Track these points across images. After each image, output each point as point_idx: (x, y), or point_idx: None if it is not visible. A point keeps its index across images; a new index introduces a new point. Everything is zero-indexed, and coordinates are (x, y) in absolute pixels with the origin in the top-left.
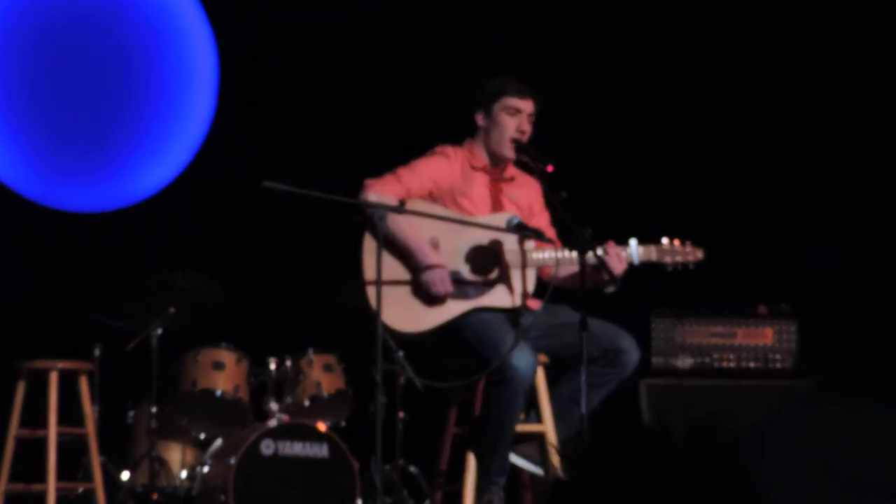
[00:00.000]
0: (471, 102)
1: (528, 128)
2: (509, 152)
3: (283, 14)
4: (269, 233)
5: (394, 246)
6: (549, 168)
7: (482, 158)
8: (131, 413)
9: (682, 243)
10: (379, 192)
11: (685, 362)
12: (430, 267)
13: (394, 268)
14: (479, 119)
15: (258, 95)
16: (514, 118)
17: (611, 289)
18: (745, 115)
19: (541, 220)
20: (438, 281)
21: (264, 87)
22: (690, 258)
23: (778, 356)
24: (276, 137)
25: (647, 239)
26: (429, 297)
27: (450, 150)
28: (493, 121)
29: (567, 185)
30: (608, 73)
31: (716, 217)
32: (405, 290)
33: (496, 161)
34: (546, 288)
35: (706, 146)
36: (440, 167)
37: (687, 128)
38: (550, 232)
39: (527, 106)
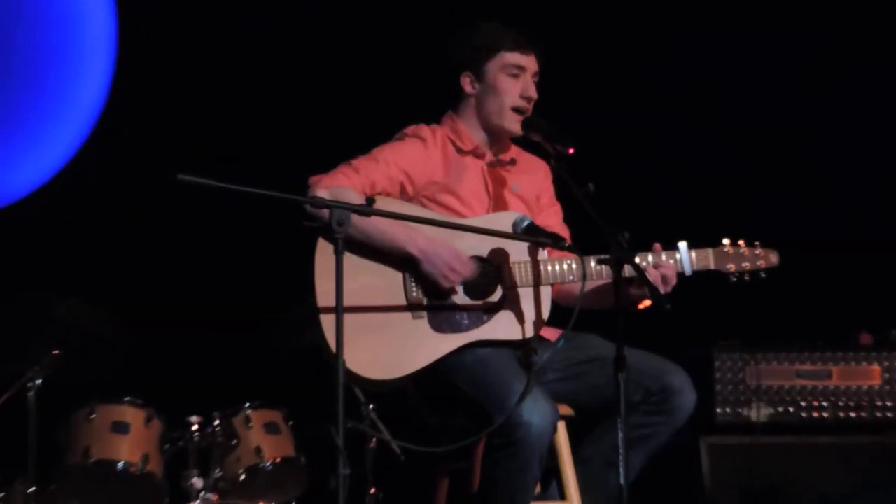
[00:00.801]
0: (452, 62)
1: (534, 92)
2: (513, 125)
3: None
4: (188, 246)
5: (362, 256)
6: (571, 150)
7: (472, 138)
8: (0, 495)
9: (750, 245)
10: (333, 187)
11: (761, 413)
12: (433, 245)
13: (361, 288)
14: (468, 84)
15: (169, 65)
16: (517, 80)
17: (646, 304)
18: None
19: (550, 216)
20: (452, 258)
21: (176, 56)
22: (761, 264)
23: (888, 403)
24: (191, 121)
25: (700, 243)
26: (411, 331)
27: (425, 130)
28: (489, 85)
29: (591, 175)
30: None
31: (795, 211)
32: (377, 321)
33: (493, 139)
34: (567, 313)
35: (773, 121)
36: (414, 154)
37: (744, 97)
38: (565, 234)
39: (530, 63)
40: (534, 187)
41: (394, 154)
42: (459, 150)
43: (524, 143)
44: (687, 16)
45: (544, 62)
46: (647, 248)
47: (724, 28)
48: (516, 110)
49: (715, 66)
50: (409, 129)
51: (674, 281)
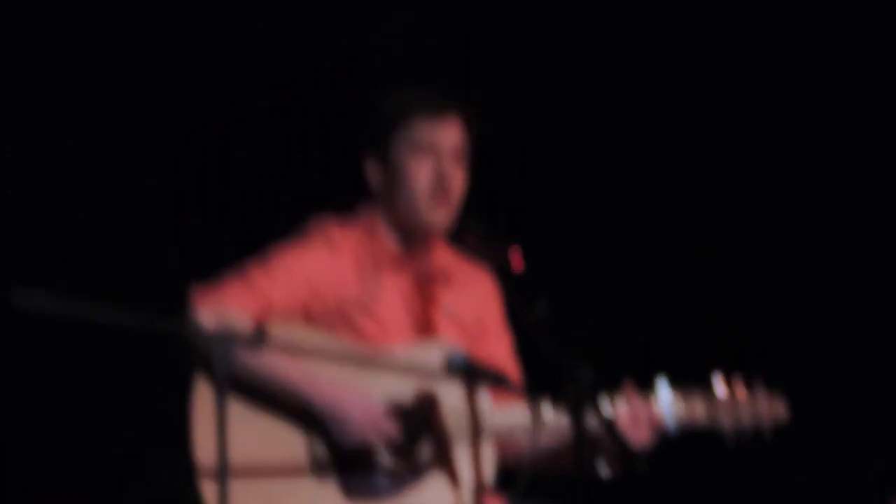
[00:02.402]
0: (357, 141)
1: (454, 174)
2: (433, 217)
3: None
4: (23, 390)
5: (253, 400)
6: (516, 259)
7: (390, 241)
8: None
9: (751, 388)
10: (218, 309)
11: None
12: (339, 402)
13: (252, 442)
14: (372, 171)
15: None
16: (427, 160)
17: (607, 471)
18: None
19: (498, 349)
20: (366, 420)
21: None
22: (764, 415)
23: None
24: (23, 213)
25: (682, 380)
26: (316, 500)
27: (335, 230)
28: (394, 170)
29: (547, 286)
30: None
31: (812, 338)
32: (273, 485)
33: (411, 240)
34: (514, 476)
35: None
36: (320, 263)
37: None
38: (514, 371)
39: (448, 134)
40: (474, 308)
41: (295, 262)
42: (376, 259)
43: (462, 241)
44: None
45: (476, 128)
46: (617, 388)
47: None
48: (434, 200)
49: None
50: (315, 227)
51: (650, 433)
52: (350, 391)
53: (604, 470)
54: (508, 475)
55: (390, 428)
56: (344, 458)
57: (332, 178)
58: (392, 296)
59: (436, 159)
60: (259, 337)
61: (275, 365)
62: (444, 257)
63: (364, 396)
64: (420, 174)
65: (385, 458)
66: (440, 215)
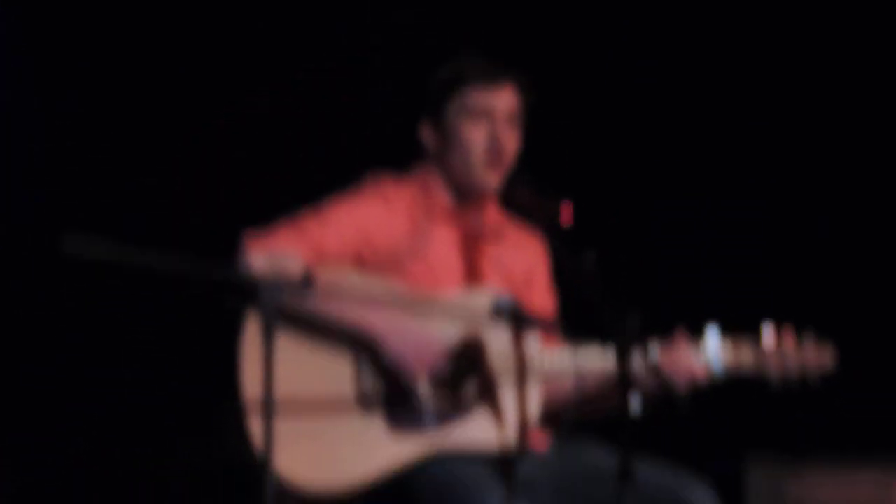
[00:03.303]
0: (413, 107)
1: (508, 137)
2: (488, 179)
3: None
4: (67, 333)
5: (302, 337)
6: (566, 213)
7: (444, 196)
8: None
9: (798, 337)
10: (270, 253)
11: None
12: (392, 330)
13: (298, 377)
14: (426, 134)
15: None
16: (482, 124)
17: (637, 408)
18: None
19: (545, 301)
20: (418, 347)
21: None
22: (811, 364)
23: None
24: (72, 159)
25: (733, 328)
26: (362, 431)
27: (390, 185)
28: (449, 135)
29: (594, 237)
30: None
31: (857, 284)
32: (319, 418)
33: (466, 197)
34: (557, 417)
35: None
36: (374, 213)
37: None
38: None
39: (502, 100)
40: (522, 264)
41: (349, 212)
42: (429, 212)
43: (512, 203)
44: None
45: (530, 95)
46: (667, 335)
47: None
48: (488, 163)
49: None
50: (370, 181)
51: (693, 377)
52: (402, 322)
53: (634, 406)
54: (551, 416)
55: (439, 361)
56: (390, 389)
57: (386, 140)
58: (442, 245)
59: (490, 124)
60: (308, 281)
61: (326, 300)
62: (496, 217)
63: (415, 328)
64: (475, 138)
65: (428, 392)
66: (493, 176)
